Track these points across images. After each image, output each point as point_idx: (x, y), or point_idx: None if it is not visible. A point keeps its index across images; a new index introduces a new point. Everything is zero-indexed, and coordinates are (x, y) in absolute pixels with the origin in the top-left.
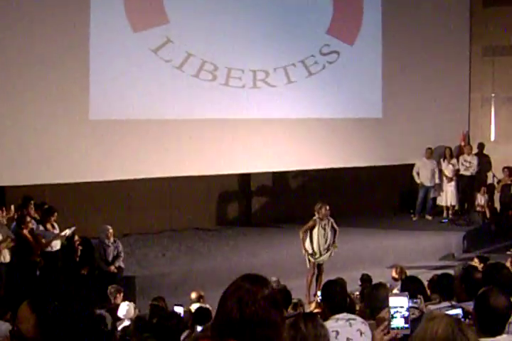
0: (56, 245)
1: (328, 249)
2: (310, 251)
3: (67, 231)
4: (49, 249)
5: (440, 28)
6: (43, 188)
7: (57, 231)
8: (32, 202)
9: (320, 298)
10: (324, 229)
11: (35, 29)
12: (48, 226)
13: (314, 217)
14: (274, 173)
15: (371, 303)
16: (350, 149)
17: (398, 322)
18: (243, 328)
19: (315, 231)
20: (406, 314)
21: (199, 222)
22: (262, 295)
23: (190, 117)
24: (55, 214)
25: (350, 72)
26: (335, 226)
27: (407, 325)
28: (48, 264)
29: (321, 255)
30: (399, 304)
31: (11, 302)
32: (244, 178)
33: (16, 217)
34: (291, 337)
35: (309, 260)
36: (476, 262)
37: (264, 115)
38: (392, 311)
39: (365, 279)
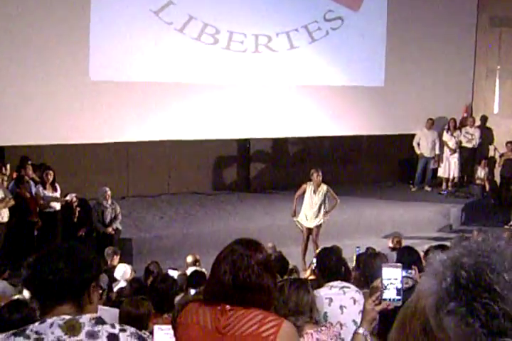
0: (56, 206)
1: (317, 216)
2: (298, 218)
3: (68, 198)
4: (48, 209)
5: None
6: (42, 149)
7: (59, 192)
8: (30, 162)
9: (315, 265)
10: (315, 194)
11: None
12: (48, 186)
13: (308, 182)
14: (273, 139)
15: (366, 272)
16: (350, 117)
17: (390, 294)
18: (235, 292)
19: (305, 195)
20: (399, 286)
21: (197, 186)
22: (256, 260)
23: (191, 81)
24: (50, 172)
25: (354, 39)
26: (335, 196)
27: (399, 297)
28: (46, 225)
29: (307, 219)
30: (392, 275)
31: (9, 262)
32: (243, 144)
33: (12, 176)
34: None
35: (297, 224)
36: (475, 235)
37: (265, 80)
38: (385, 282)
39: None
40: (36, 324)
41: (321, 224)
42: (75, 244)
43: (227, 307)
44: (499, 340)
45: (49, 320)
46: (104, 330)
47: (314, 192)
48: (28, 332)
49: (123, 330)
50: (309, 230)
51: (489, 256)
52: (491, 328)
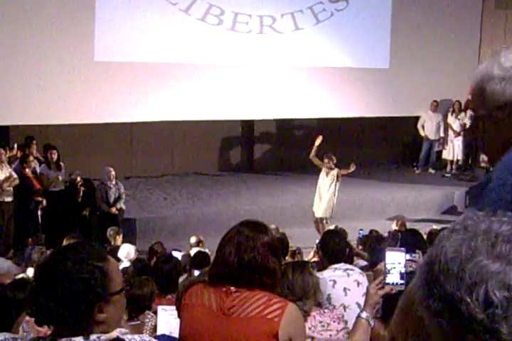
0: (60, 185)
1: (325, 195)
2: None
3: (73, 177)
4: (52, 188)
5: None
6: (46, 129)
7: (63, 171)
8: (34, 141)
9: (318, 246)
10: (326, 177)
11: None
12: (52, 166)
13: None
14: (277, 121)
15: (373, 255)
16: (354, 99)
17: (394, 278)
18: (240, 274)
19: (319, 177)
20: (402, 270)
21: (201, 167)
22: (261, 242)
23: (195, 61)
24: (54, 151)
25: (359, 20)
26: (347, 170)
27: (402, 281)
28: (50, 204)
29: (320, 202)
30: (396, 260)
31: (14, 241)
32: (248, 125)
33: (18, 156)
34: None
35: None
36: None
37: (269, 61)
38: (388, 267)
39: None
40: None
41: (326, 218)
42: (68, 271)
43: (232, 288)
44: (433, 319)
45: None
46: None
47: (326, 175)
48: None
49: None
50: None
51: (446, 236)
52: (427, 307)
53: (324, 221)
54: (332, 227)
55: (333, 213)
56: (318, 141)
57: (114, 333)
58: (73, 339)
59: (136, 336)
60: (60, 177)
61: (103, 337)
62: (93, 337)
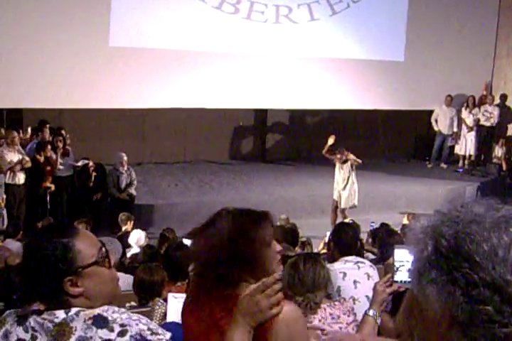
0: (63, 172)
1: (344, 189)
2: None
3: (80, 164)
4: (58, 174)
5: None
6: (60, 113)
7: (71, 157)
8: (48, 125)
9: (328, 238)
10: (342, 169)
11: None
12: (59, 152)
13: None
14: (290, 111)
15: (383, 249)
16: (368, 91)
17: (402, 276)
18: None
19: (335, 169)
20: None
21: (213, 155)
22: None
23: (210, 49)
24: (60, 138)
25: (375, 12)
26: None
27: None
28: (57, 189)
29: (339, 193)
30: (405, 257)
31: (23, 223)
32: (261, 114)
33: (31, 139)
34: (289, 276)
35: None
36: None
37: (284, 52)
38: (397, 264)
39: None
40: (34, 316)
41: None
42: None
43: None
44: (479, 308)
45: (44, 316)
46: (98, 336)
47: (341, 168)
48: (27, 323)
49: (122, 333)
50: (337, 202)
51: (469, 225)
52: (471, 297)
53: (346, 211)
54: (347, 220)
55: (358, 202)
56: (331, 141)
57: (97, 310)
58: (55, 312)
59: (123, 315)
60: (69, 162)
61: (82, 312)
62: (73, 311)
